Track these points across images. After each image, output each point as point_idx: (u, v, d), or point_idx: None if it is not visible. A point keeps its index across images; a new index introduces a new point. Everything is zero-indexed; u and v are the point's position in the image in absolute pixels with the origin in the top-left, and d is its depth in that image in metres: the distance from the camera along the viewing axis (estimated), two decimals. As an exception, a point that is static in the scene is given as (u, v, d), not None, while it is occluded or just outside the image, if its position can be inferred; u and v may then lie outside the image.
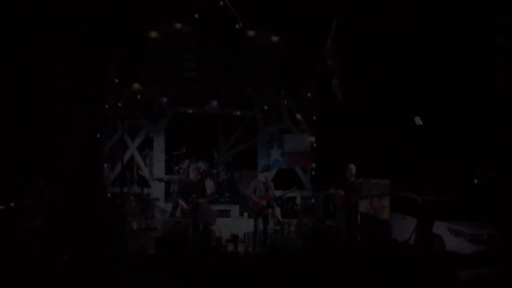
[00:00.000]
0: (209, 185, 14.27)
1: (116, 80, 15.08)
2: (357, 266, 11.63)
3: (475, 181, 21.72)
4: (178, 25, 15.27)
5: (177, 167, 15.37)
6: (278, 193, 14.73)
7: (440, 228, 15.45)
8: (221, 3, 15.65)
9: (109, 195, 14.67)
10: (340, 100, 16.02)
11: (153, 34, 15.03)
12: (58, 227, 10.50)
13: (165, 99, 15.35)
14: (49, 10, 10.09)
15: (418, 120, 14.52)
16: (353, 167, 14.05)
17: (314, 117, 16.86)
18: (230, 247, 13.73)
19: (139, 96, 15.03)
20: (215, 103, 15.59)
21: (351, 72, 16.36)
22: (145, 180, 15.20)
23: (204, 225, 13.53)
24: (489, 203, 16.78)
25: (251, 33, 15.68)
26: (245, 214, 14.74)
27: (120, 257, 11.39)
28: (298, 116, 16.30)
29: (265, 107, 16.28)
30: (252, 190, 13.75)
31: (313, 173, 16.36)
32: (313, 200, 15.97)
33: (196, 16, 15.44)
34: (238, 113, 16.86)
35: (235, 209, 15.09)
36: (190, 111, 16.28)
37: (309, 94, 16.57)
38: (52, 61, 10.24)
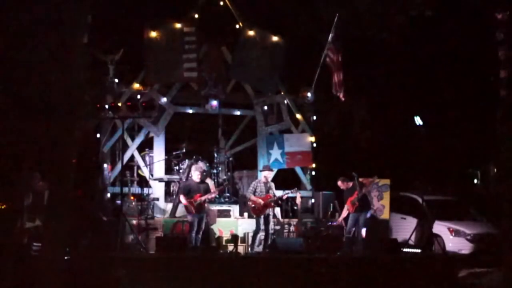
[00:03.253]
0: (210, 185, 14.33)
1: (116, 80, 15.07)
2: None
3: (475, 181, 21.74)
4: (178, 25, 15.24)
5: (177, 167, 15.37)
6: (278, 193, 14.77)
7: (440, 228, 15.47)
8: (221, 3, 15.63)
9: (109, 195, 14.68)
10: (342, 100, 16.04)
11: (153, 34, 15.01)
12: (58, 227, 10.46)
13: (165, 99, 15.35)
14: (48, 10, 10.08)
15: (418, 120, 14.53)
16: (339, 183, 14.41)
17: (314, 117, 16.85)
18: (230, 247, 13.73)
19: (139, 96, 15.02)
20: (215, 103, 15.56)
21: (351, 72, 16.36)
22: (145, 180, 15.20)
23: (205, 225, 13.60)
24: (489, 203, 16.80)
25: (251, 33, 15.66)
26: (245, 214, 14.70)
27: (120, 257, 11.38)
28: (298, 116, 16.29)
29: (265, 107, 16.27)
30: (252, 190, 13.78)
31: (313, 173, 16.35)
32: (313, 200, 15.97)
33: (196, 16, 15.42)
34: (238, 113, 16.86)
35: (235, 209, 15.08)
36: (190, 111, 16.28)
37: (309, 94, 16.54)
38: (51, 61, 10.23)
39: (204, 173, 14.13)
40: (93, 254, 11.40)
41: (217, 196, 14.83)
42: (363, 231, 14.12)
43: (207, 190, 13.46)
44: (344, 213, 14.39)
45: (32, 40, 9.87)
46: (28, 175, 11.82)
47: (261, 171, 14.46)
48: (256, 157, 16.08)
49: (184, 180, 14.60)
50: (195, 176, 13.52)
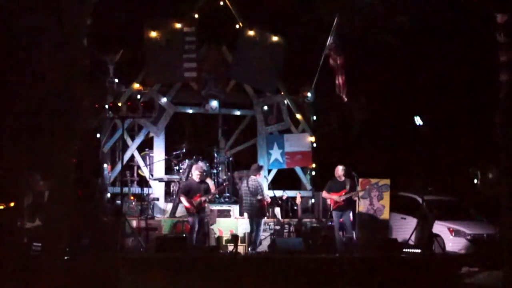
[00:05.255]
0: (210, 185, 14.34)
1: (116, 80, 15.08)
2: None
3: (475, 181, 21.71)
4: (178, 25, 15.25)
5: (177, 167, 15.37)
6: (278, 193, 14.81)
7: (440, 228, 15.46)
8: (221, 3, 15.63)
9: (109, 195, 14.68)
10: (345, 101, 16.04)
11: (153, 34, 15.02)
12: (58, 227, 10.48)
13: (165, 99, 15.35)
14: (49, 11, 10.09)
15: (418, 120, 14.52)
16: (340, 168, 14.14)
17: (314, 117, 16.85)
18: (230, 247, 13.73)
19: (139, 96, 15.03)
20: (215, 103, 15.57)
21: (351, 72, 16.35)
22: (145, 180, 15.20)
23: (205, 224, 13.61)
24: (489, 203, 16.77)
25: (251, 33, 15.66)
26: (245, 214, 14.63)
27: (120, 257, 11.38)
28: (298, 116, 16.29)
29: (265, 107, 16.27)
30: (262, 189, 13.83)
31: (313, 173, 16.35)
32: (313, 200, 15.97)
33: (196, 16, 15.43)
34: (238, 113, 16.86)
35: (235, 209, 15.07)
36: (190, 111, 16.29)
37: (309, 94, 16.55)
38: (51, 61, 10.23)
39: (204, 173, 14.12)
40: (93, 254, 11.40)
41: (217, 196, 14.83)
42: (350, 228, 14.03)
43: (207, 190, 13.48)
44: (332, 201, 14.21)
45: (33, 41, 9.88)
46: (28, 175, 11.82)
47: (259, 171, 14.28)
48: (256, 157, 16.08)
49: (184, 180, 14.60)
50: (195, 175, 13.53)
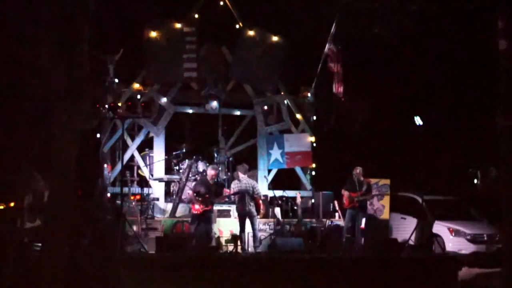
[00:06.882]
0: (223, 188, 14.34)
1: (116, 80, 15.08)
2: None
3: (475, 181, 21.75)
4: (178, 25, 15.25)
5: (177, 167, 15.37)
6: (278, 193, 14.80)
7: (440, 228, 15.47)
8: (221, 3, 15.64)
9: (109, 195, 14.67)
10: (343, 100, 16.04)
11: (153, 34, 15.02)
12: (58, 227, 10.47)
13: (165, 99, 15.35)
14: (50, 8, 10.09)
15: (418, 120, 14.53)
16: (359, 170, 14.17)
17: (314, 117, 16.86)
18: (230, 247, 13.73)
19: (139, 96, 15.03)
20: (215, 103, 15.57)
21: (351, 72, 16.36)
22: (145, 180, 15.19)
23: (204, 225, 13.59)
24: (489, 203, 16.80)
25: (251, 33, 15.67)
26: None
27: (120, 257, 11.38)
28: (298, 116, 16.29)
29: (265, 107, 16.27)
30: (257, 188, 13.87)
31: (313, 173, 16.35)
32: (313, 200, 15.97)
33: (196, 16, 15.43)
34: (238, 113, 16.86)
35: (235, 209, 15.05)
36: (190, 111, 16.29)
37: (309, 94, 16.56)
38: (52, 60, 10.22)
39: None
40: (93, 254, 11.40)
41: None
42: (359, 233, 14.05)
43: (217, 192, 13.46)
44: (347, 200, 14.23)
45: (33, 39, 9.87)
46: (28, 175, 11.81)
47: (245, 172, 14.30)
48: (256, 157, 16.08)
49: (184, 180, 14.60)
50: (209, 176, 13.52)
